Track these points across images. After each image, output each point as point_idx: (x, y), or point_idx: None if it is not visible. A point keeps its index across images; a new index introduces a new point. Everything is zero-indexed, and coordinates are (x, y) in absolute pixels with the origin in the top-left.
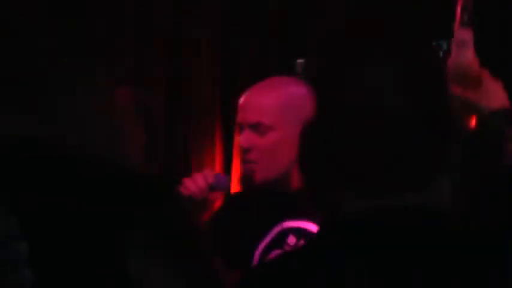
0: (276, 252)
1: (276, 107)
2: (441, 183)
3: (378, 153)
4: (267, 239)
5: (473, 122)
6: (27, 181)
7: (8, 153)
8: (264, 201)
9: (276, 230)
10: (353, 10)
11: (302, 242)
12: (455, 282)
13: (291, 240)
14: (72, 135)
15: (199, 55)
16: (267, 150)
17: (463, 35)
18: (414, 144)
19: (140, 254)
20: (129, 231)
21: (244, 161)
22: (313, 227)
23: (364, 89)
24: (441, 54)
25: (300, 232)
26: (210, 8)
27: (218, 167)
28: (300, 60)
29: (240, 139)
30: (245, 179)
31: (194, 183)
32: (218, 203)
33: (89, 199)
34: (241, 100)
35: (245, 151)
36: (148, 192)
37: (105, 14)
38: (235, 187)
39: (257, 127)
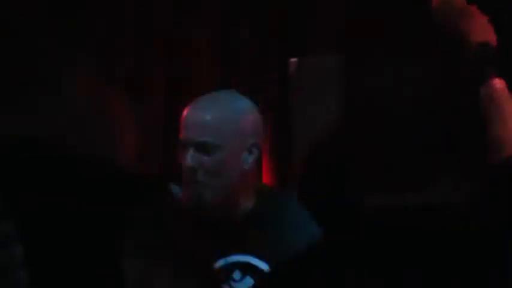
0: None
1: (222, 124)
2: (442, 183)
3: (378, 153)
4: None
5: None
6: (26, 181)
7: (8, 153)
8: (211, 227)
9: (221, 263)
10: (353, 10)
11: (247, 277)
12: (455, 282)
13: (237, 275)
14: (71, 135)
15: (199, 55)
16: (214, 169)
17: None
18: (415, 144)
19: (140, 253)
20: (129, 232)
21: (192, 182)
22: (258, 262)
23: (365, 89)
24: None
25: (245, 267)
26: (210, 8)
27: None
28: (293, 59)
29: (187, 158)
30: (194, 200)
31: None
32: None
33: (88, 199)
34: (185, 117)
35: (192, 171)
36: (148, 193)
37: (105, 14)
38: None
39: (204, 146)
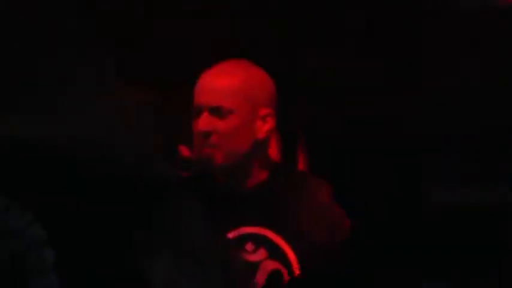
0: None
1: (237, 90)
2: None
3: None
4: None
5: None
6: (50, 185)
7: (32, 155)
8: (221, 200)
9: (233, 235)
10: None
11: (261, 248)
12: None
13: (249, 246)
14: (92, 136)
15: (222, 56)
16: (228, 134)
17: None
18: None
19: (165, 253)
20: (152, 231)
21: (204, 146)
22: (270, 233)
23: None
24: None
25: (258, 238)
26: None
27: None
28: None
29: (200, 123)
30: (205, 164)
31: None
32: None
33: (112, 200)
34: (200, 83)
35: (205, 135)
36: (169, 192)
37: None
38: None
39: (218, 110)
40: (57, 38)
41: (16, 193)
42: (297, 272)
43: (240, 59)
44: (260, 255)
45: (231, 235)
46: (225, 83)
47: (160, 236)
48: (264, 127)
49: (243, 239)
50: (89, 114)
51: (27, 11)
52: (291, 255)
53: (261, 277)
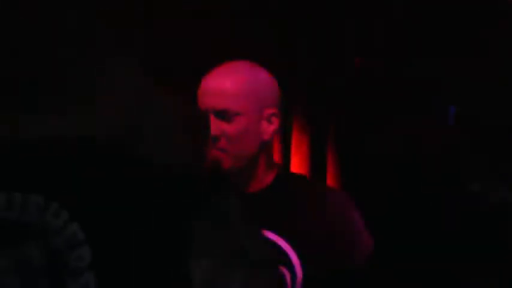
0: None
1: (241, 91)
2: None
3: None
4: None
5: None
6: (86, 184)
7: (70, 157)
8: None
9: None
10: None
11: None
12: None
13: None
14: (131, 136)
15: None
16: (236, 137)
17: None
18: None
19: (208, 254)
20: (195, 232)
21: (214, 150)
22: (272, 236)
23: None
24: None
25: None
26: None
27: None
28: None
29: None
30: (213, 168)
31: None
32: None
33: (151, 201)
34: (205, 86)
35: (214, 139)
36: (211, 192)
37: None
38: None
39: (224, 113)
40: (57, 38)
41: (53, 192)
42: (300, 276)
43: (242, 59)
44: None
45: None
46: (230, 85)
47: (204, 235)
48: (270, 128)
49: None
50: (98, 113)
51: (27, 11)
52: (294, 259)
53: None
